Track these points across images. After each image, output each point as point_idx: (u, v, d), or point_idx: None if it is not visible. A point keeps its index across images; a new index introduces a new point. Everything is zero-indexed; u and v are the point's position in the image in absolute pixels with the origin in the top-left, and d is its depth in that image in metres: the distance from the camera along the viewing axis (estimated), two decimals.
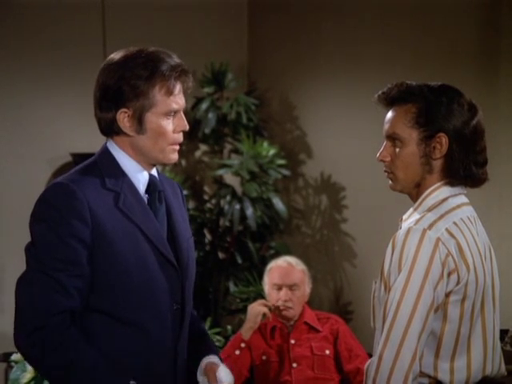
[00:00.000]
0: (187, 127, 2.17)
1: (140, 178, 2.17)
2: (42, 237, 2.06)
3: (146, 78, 2.10)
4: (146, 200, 2.17)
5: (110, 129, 2.14)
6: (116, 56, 2.17)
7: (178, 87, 2.13)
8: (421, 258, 2.12)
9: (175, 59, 2.15)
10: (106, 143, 2.18)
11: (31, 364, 2.12)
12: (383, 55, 4.79)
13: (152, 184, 2.19)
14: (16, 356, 3.09)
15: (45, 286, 2.03)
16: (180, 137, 2.17)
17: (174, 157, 2.17)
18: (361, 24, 4.93)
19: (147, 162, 2.16)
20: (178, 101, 2.14)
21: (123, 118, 2.11)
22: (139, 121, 2.11)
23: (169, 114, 2.13)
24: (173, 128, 2.14)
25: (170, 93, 2.12)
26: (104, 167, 2.13)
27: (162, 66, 2.12)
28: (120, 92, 2.09)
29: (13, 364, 3.11)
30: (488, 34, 4.34)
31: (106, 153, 2.15)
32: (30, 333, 2.03)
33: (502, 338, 3.65)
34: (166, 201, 2.22)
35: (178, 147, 2.17)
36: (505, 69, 4.27)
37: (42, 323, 2.02)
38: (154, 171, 2.21)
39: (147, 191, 2.18)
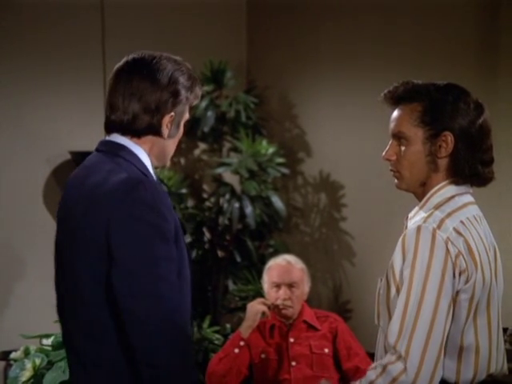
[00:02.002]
0: None
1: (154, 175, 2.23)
2: (154, 240, 2.05)
3: (189, 87, 2.21)
4: None
5: (146, 128, 2.17)
6: (163, 60, 2.22)
7: None
8: (436, 260, 2.11)
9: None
10: (112, 139, 2.19)
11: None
12: (382, 54, 4.79)
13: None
14: (15, 354, 3.09)
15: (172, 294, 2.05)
16: None
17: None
18: (360, 22, 4.93)
19: (155, 162, 2.22)
20: None
21: (167, 121, 2.17)
22: (177, 126, 2.20)
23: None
24: None
25: (193, 104, 2.25)
26: (138, 164, 2.16)
27: (197, 80, 2.27)
28: (180, 96, 2.18)
29: (12, 362, 3.11)
30: (487, 33, 4.34)
31: (126, 150, 2.17)
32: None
33: None
34: None
35: None
36: (504, 68, 4.27)
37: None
38: None
39: None
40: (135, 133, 2.17)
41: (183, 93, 2.18)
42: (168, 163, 2.26)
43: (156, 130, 2.17)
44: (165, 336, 2.00)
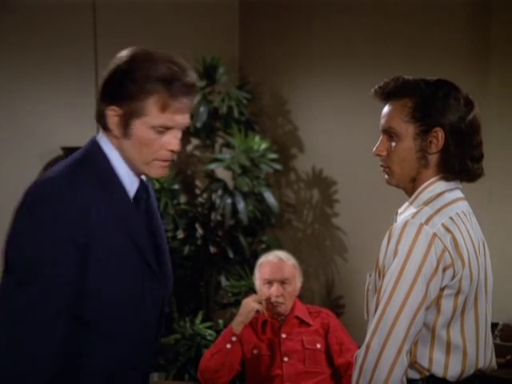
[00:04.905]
0: (177, 147, 1.96)
1: (130, 182, 1.98)
2: (32, 236, 1.86)
3: (142, 84, 1.92)
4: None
5: (100, 121, 1.98)
6: (136, 51, 1.97)
7: (178, 104, 1.93)
8: (415, 252, 2.12)
9: (188, 75, 1.94)
10: (96, 137, 2.01)
11: None
12: (374, 50, 4.80)
13: (140, 190, 2.01)
14: None
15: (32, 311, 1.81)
16: (168, 155, 1.95)
17: (160, 172, 1.97)
18: (353, 19, 4.93)
19: (134, 168, 1.98)
20: (176, 118, 1.95)
21: (112, 116, 1.94)
22: (126, 124, 1.93)
23: (160, 129, 1.94)
24: (161, 144, 1.95)
25: (165, 108, 1.92)
26: (97, 166, 1.95)
27: (169, 80, 1.92)
28: (120, 88, 1.93)
29: None
30: (478, 31, 4.34)
31: (97, 149, 1.97)
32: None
33: (491, 332, 3.67)
34: (151, 207, 2.04)
35: (166, 163, 1.97)
36: (496, 64, 4.28)
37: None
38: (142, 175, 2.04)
39: (134, 198, 2.00)
40: (98, 122, 1.98)
41: (131, 87, 1.91)
42: (151, 174, 1.97)
43: (104, 124, 1.94)
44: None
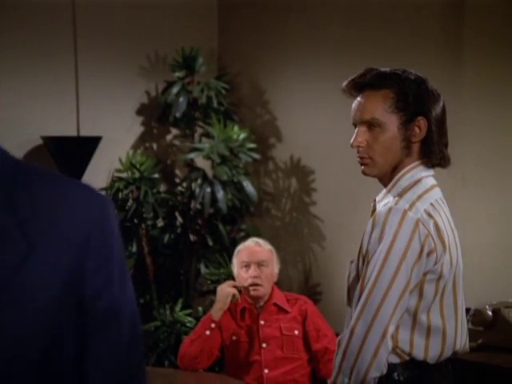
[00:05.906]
0: None
1: None
2: None
3: None
4: None
5: None
6: None
7: None
8: (400, 238, 2.14)
9: None
10: None
11: None
12: (351, 41, 4.84)
13: None
14: None
15: None
16: None
17: None
18: (330, 11, 4.96)
19: None
20: None
21: None
22: None
23: None
24: None
25: None
26: None
27: None
28: None
29: None
30: (451, 22, 4.39)
31: None
32: None
33: None
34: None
35: None
36: (468, 55, 4.33)
37: None
38: None
39: None
40: None
41: None
42: None
43: None
44: None
